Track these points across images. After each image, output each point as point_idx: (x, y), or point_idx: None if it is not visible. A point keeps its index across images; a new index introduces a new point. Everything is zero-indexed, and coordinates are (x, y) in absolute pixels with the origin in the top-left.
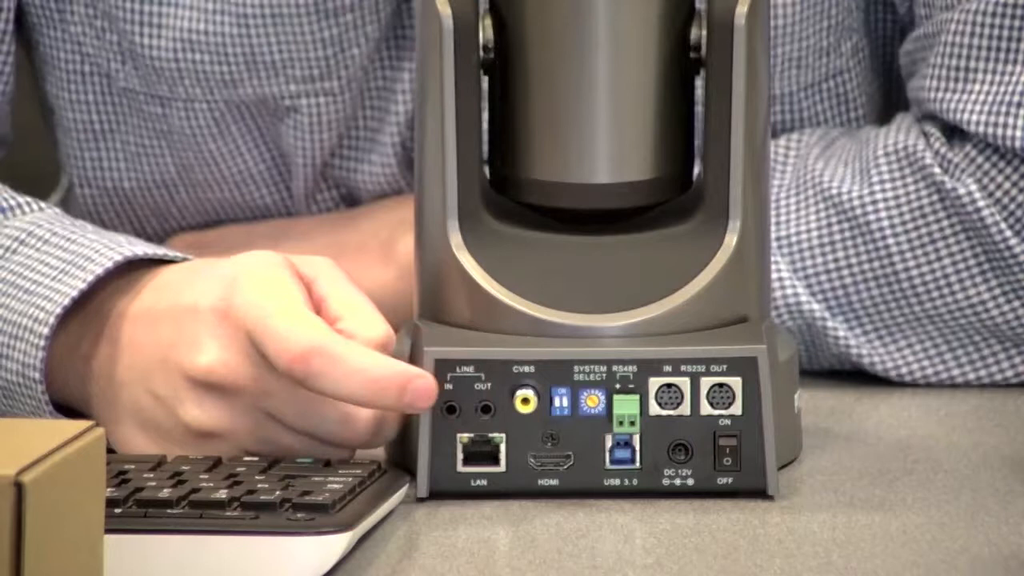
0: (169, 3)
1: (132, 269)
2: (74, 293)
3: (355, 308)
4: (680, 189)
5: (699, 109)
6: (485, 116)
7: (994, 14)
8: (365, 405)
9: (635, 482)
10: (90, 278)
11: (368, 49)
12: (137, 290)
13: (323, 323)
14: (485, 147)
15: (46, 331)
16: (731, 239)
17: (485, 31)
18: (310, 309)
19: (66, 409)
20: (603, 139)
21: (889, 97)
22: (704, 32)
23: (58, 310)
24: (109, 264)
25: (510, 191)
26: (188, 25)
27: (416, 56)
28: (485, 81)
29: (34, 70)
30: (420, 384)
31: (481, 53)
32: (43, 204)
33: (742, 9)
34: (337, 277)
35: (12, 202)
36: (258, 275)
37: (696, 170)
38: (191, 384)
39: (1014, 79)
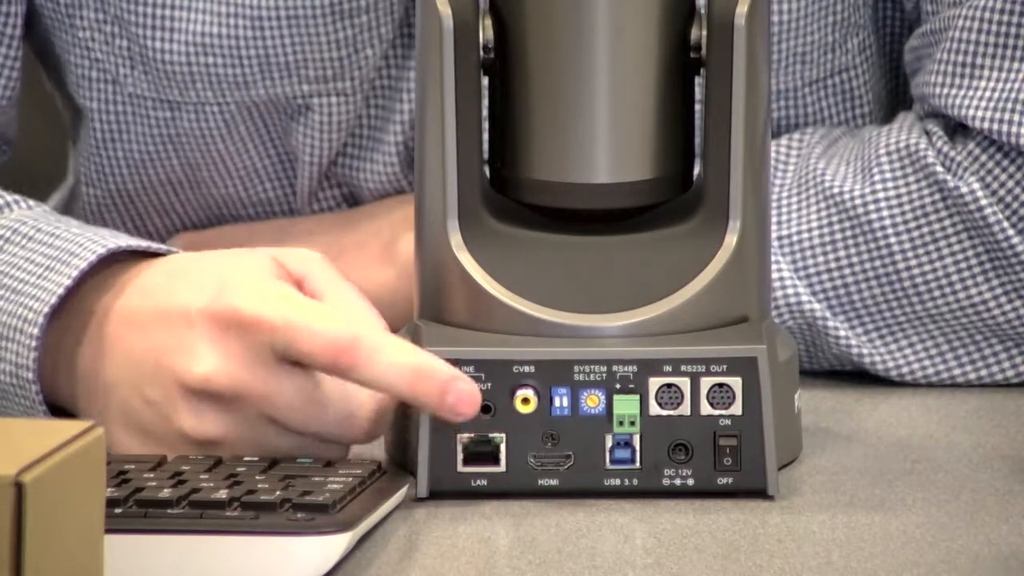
0: (181, 7)
1: (115, 262)
2: (60, 291)
3: (349, 304)
4: (680, 189)
5: (699, 109)
6: (485, 116)
7: (1002, 11)
8: (402, 397)
9: (635, 482)
10: (74, 274)
11: (381, 50)
12: (120, 286)
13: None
14: (485, 147)
15: (36, 331)
16: (731, 239)
17: (485, 31)
18: None
19: (57, 408)
20: (603, 139)
21: (897, 94)
22: (704, 32)
23: (46, 309)
24: (92, 257)
25: (510, 191)
26: (201, 29)
27: (416, 56)
28: (485, 81)
29: (51, 71)
30: (465, 388)
31: (481, 53)
32: (31, 202)
33: (742, 9)
34: (328, 273)
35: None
36: (246, 276)
37: (696, 170)
38: (187, 393)
39: (1020, 76)
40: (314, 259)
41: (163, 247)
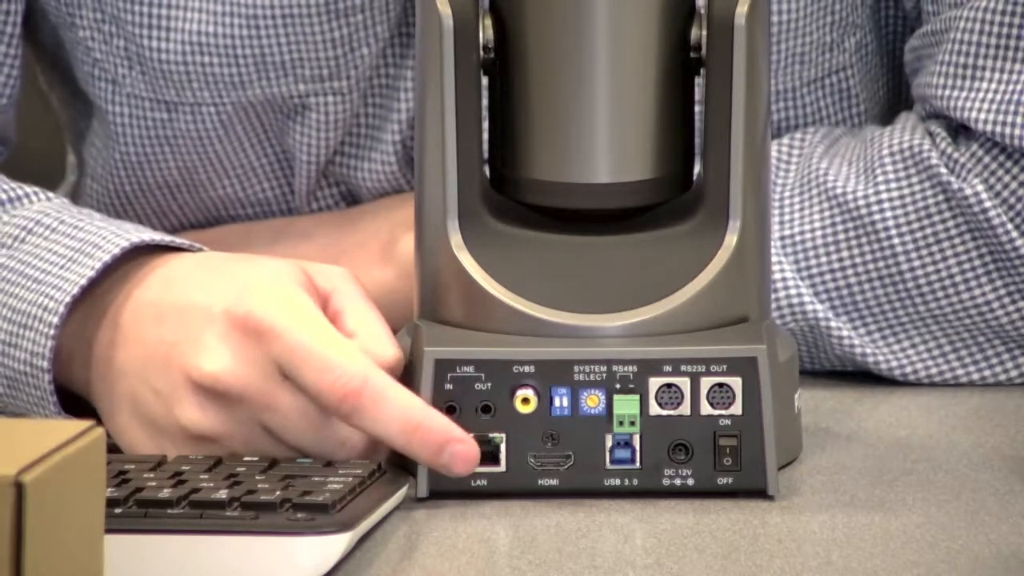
0: (177, 6)
1: (139, 255)
2: (83, 281)
3: (370, 326)
4: (680, 189)
5: (699, 109)
6: (485, 116)
7: (1003, 12)
8: (399, 449)
9: (635, 482)
10: (98, 265)
11: (377, 49)
12: (142, 277)
13: (359, 350)
14: (485, 147)
15: (56, 320)
16: (731, 239)
17: (485, 31)
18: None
19: (68, 394)
20: (603, 139)
21: (897, 94)
22: (704, 32)
23: (67, 299)
24: (116, 251)
25: (510, 191)
26: (197, 28)
27: (416, 56)
28: (485, 81)
29: (57, 68)
30: (461, 449)
31: (481, 53)
32: (50, 194)
33: (742, 9)
34: (353, 292)
35: (19, 192)
36: (273, 286)
37: (696, 170)
38: (193, 386)
39: (1022, 78)
40: (342, 276)
41: (187, 242)
